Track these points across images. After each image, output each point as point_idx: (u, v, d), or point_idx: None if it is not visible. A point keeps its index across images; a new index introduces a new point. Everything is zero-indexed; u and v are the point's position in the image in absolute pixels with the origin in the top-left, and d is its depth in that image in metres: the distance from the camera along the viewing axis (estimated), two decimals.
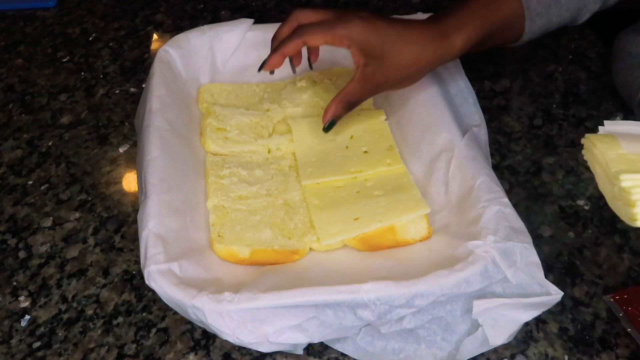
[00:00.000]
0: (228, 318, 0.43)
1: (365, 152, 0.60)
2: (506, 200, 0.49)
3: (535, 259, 0.46)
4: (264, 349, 0.45)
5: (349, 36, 0.52)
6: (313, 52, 0.61)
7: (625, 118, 0.68)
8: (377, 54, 0.53)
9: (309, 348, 0.50)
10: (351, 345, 0.47)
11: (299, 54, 0.58)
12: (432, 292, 0.44)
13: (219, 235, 0.52)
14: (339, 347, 0.48)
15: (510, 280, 0.45)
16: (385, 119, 0.63)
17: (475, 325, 0.46)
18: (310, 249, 0.53)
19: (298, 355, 0.49)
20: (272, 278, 0.47)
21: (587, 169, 0.63)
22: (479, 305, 0.45)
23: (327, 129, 0.56)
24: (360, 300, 0.43)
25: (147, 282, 0.45)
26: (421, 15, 0.68)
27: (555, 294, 0.45)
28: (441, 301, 0.45)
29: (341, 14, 0.54)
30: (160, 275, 0.45)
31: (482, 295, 0.45)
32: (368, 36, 0.52)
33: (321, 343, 0.49)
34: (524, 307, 0.45)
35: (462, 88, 0.64)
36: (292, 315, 0.44)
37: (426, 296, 0.44)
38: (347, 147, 0.60)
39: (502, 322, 0.45)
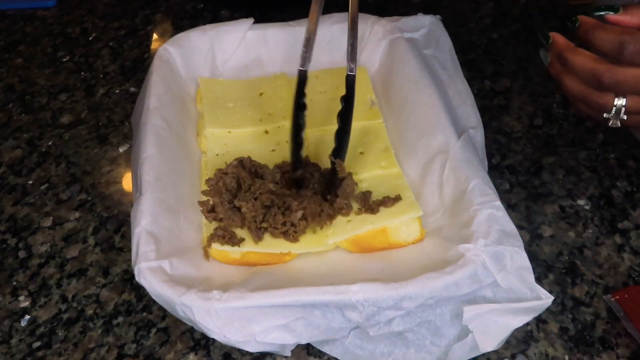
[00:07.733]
0: (215, 316, 0.43)
1: (361, 153, 0.59)
2: (498, 203, 0.48)
3: (526, 262, 0.45)
4: (251, 348, 0.44)
5: None
6: None
7: None
8: None
9: (309, 348, 0.50)
10: (339, 348, 0.47)
11: None
12: (420, 295, 0.43)
13: None
14: (327, 349, 0.47)
15: (500, 285, 0.45)
16: (382, 121, 0.63)
17: (465, 331, 0.45)
18: None
19: (299, 355, 0.49)
20: (262, 278, 0.47)
21: (588, 168, 0.63)
22: (469, 311, 0.44)
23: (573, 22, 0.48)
24: (348, 301, 0.43)
25: (137, 279, 0.45)
26: (421, 16, 0.68)
27: (546, 299, 0.44)
28: (430, 304, 0.44)
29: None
30: (151, 273, 0.45)
31: (472, 299, 0.45)
32: None
33: None
34: (514, 312, 0.44)
35: (460, 90, 0.64)
36: (280, 315, 0.43)
37: (414, 298, 0.43)
38: None
39: (493, 328, 0.45)
